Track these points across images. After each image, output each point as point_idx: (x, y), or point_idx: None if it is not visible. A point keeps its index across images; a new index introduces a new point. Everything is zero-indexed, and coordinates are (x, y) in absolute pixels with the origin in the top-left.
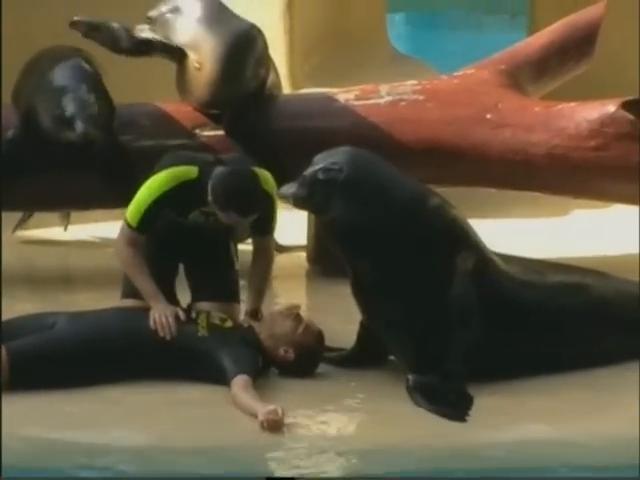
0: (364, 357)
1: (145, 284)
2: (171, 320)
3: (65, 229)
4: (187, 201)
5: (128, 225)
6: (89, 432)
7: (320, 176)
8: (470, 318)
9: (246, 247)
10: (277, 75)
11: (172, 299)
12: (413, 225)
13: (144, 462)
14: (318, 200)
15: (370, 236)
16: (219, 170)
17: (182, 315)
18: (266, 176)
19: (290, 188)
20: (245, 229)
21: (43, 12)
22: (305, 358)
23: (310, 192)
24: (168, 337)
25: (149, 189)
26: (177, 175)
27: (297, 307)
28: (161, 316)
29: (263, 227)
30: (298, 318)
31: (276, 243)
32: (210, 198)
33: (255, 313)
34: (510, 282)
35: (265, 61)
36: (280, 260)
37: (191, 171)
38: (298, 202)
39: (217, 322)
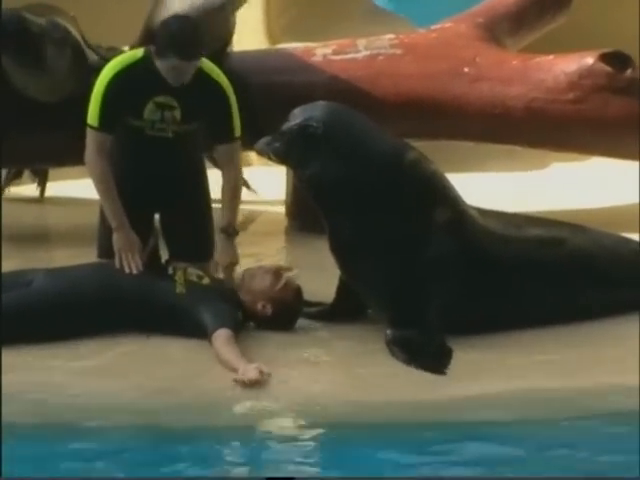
0: (343, 311)
1: (112, 204)
2: (136, 255)
3: (40, 191)
4: (138, 89)
5: (90, 127)
6: (68, 389)
7: (298, 131)
8: (447, 272)
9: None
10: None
11: (155, 256)
12: (390, 180)
13: (124, 418)
14: (296, 155)
15: (347, 191)
16: (162, 21)
17: (142, 247)
18: (214, 67)
19: (268, 142)
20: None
21: None
22: (283, 313)
23: (288, 147)
24: (134, 271)
25: (99, 82)
26: (122, 60)
27: (289, 270)
28: (125, 249)
29: (222, 131)
30: (277, 274)
31: (244, 180)
32: (152, 48)
33: (229, 230)
34: (488, 236)
35: (231, 14)
36: (259, 215)
37: (136, 53)
38: (276, 156)
39: (194, 279)
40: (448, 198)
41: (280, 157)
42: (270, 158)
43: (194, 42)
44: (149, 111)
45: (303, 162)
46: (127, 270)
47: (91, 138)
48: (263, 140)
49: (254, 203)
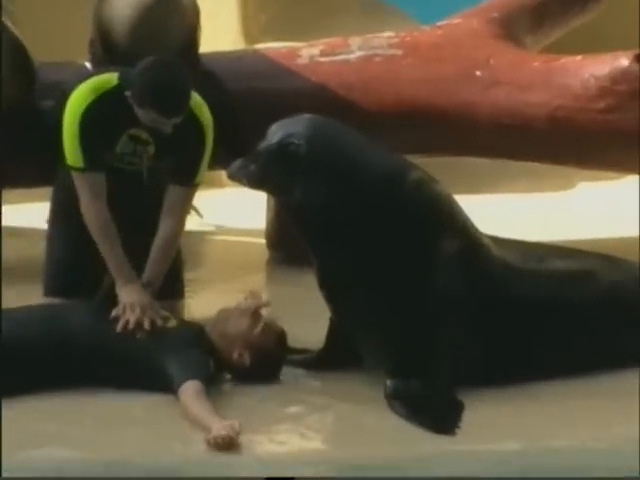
0: (334, 360)
1: (116, 257)
2: (148, 313)
3: None
4: (111, 120)
5: (76, 171)
6: (21, 452)
7: (277, 150)
8: (457, 313)
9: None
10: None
11: (111, 295)
12: (389, 205)
13: None
14: (275, 180)
15: (338, 220)
16: (143, 61)
17: (161, 312)
18: (200, 103)
19: (241, 166)
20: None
21: None
22: (264, 362)
23: (265, 170)
24: (138, 335)
25: (72, 114)
26: (95, 86)
27: (258, 296)
28: (134, 305)
29: (185, 172)
30: (256, 315)
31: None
32: (129, 93)
33: (149, 286)
34: (506, 271)
35: (192, 11)
36: (235, 246)
37: (110, 79)
38: (252, 182)
39: (159, 322)
40: (457, 225)
41: (256, 183)
42: (245, 184)
43: (179, 96)
44: (122, 144)
45: (284, 187)
46: (137, 335)
47: (82, 183)
48: (236, 163)
49: (230, 233)
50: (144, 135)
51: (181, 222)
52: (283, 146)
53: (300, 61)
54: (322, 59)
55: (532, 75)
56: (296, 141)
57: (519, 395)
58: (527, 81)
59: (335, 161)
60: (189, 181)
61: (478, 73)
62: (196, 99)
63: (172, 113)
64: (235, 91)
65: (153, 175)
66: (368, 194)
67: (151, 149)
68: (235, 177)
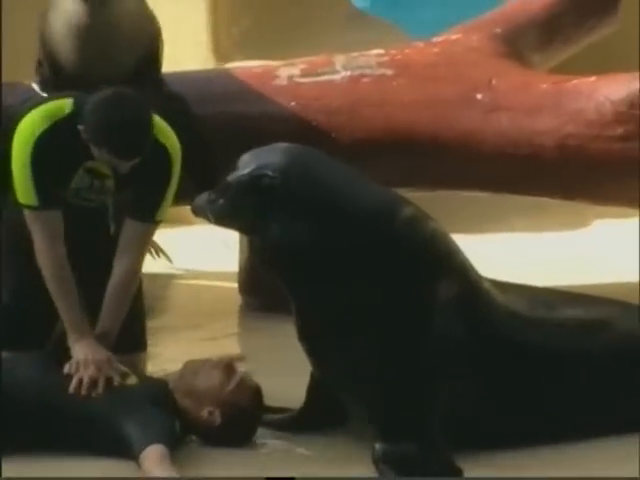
0: (316, 420)
1: (70, 308)
2: (104, 370)
3: None
4: (66, 151)
5: (30, 209)
6: None
7: (249, 183)
8: (455, 366)
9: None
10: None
11: (63, 347)
12: (378, 245)
13: None
14: (246, 216)
15: (320, 262)
16: (98, 93)
17: (120, 368)
18: (165, 128)
19: (209, 199)
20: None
21: None
22: (237, 422)
23: (235, 205)
24: (93, 395)
25: (21, 144)
26: (47, 114)
27: (240, 358)
28: (87, 362)
29: (146, 206)
30: (228, 369)
31: (157, 245)
32: (82, 127)
33: (103, 341)
34: (510, 319)
35: (148, 26)
36: (205, 291)
37: (63, 105)
38: (219, 218)
39: (117, 378)
40: (455, 267)
41: (224, 219)
42: (211, 221)
43: (137, 136)
44: (77, 178)
45: (256, 225)
46: (91, 393)
47: (36, 222)
48: (202, 196)
49: (199, 277)
50: (102, 168)
51: (138, 262)
52: (255, 178)
53: (278, 82)
54: (303, 80)
55: (540, 98)
56: (270, 172)
57: (525, 459)
58: (534, 105)
59: (315, 195)
60: (149, 216)
61: (479, 96)
62: (160, 125)
63: (129, 155)
64: (204, 116)
65: (118, 211)
66: (354, 233)
67: (110, 183)
68: (200, 212)
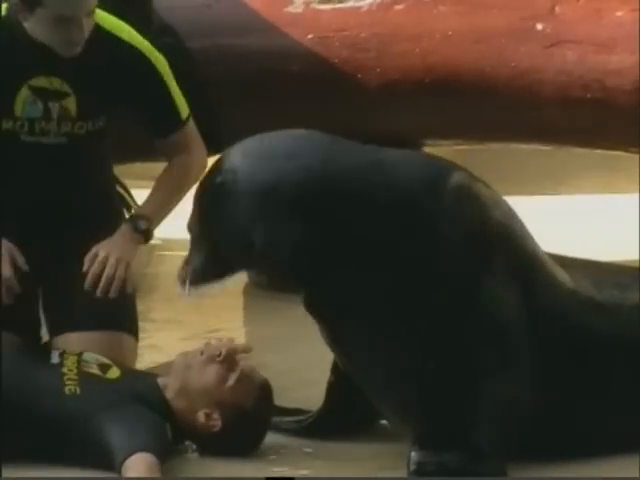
0: (336, 423)
1: None
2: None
3: None
4: (1, 70)
5: None
6: None
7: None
8: (509, 360)
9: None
10: None
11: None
12: (421, 226)
13: None
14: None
15: (347, 249)
16: None
17: (21, 262)
18: (124, 27)
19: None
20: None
21: None
22: (240, 426)
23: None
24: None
25: None
26: None
27: (246, 349)
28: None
29: (161, 117)
30: (229, 361)
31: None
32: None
33: (137, 223)
34: (575, 302)
35: None
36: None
37: None
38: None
39: (94, 371)
40: (512, 243)
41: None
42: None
43: None
44: (23, 103)
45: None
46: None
47: None
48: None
49: None
50: (56, 83)
51: (197, 156)
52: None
53: (292, 9)
54: (322, 7)
55: (614, 29)
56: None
57: (589, 470)
58: (607, 38)
59: (341, 198)
60: (175, 122)
61: (539, 26)
62: (112, 20)
63: (71, 5)
64: (202, 50)
65: (81, 147)
66: (394, 215)
67: (71, 103)
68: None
